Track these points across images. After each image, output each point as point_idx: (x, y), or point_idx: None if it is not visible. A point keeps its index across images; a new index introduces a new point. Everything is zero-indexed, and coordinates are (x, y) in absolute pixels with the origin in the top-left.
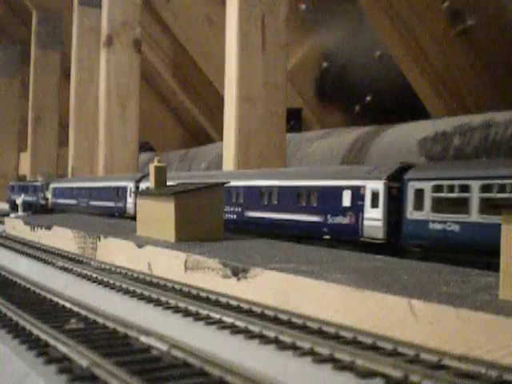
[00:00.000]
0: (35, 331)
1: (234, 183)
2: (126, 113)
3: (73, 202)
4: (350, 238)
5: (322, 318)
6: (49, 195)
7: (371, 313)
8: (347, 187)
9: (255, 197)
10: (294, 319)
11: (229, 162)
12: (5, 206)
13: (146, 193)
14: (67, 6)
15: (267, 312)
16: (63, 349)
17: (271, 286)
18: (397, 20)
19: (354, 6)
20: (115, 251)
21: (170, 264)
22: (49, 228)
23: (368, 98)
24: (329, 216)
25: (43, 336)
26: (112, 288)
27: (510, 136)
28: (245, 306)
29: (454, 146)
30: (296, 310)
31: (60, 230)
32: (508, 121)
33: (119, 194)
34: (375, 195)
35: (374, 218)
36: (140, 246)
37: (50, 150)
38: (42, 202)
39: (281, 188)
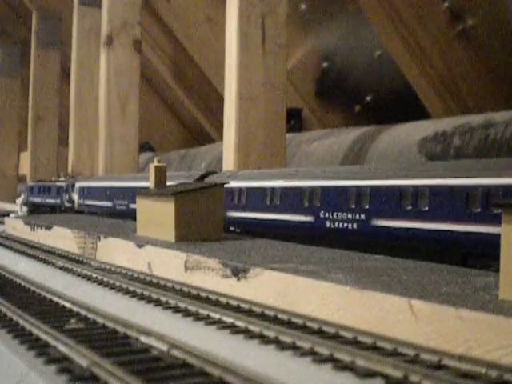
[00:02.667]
0: (35, 331)
1: (350, 182)
2: (126, 113)
3: (107, 204)
4: None
5: (322, 318)
6: (75, 196)
7: (371, 313)
8: None
9: (395, 200)
10: (293, 319)
11: (229, 162)
12: (8, 207)
13: (146, 193)
14: (67, 6)
15: (267, 312)
16: (63, 349)
17: (271, 286)
18: (397, 20)
19: (354, 6)
20: (115, 251)
21: (169, 264)
22: (49, 228)
23: (368, 98)
24: None
25: (43, 336)
26: (112, 288)
27: (510, 136)
28: (245, 306)
29: (454, 146)
30: (296, 310)
31: (60, 229)
32: (508, 121)
33: None
34: None
35: None
36: (140, 246)
37: (50, 149)
38: (67, 204)
39: (441, 188)
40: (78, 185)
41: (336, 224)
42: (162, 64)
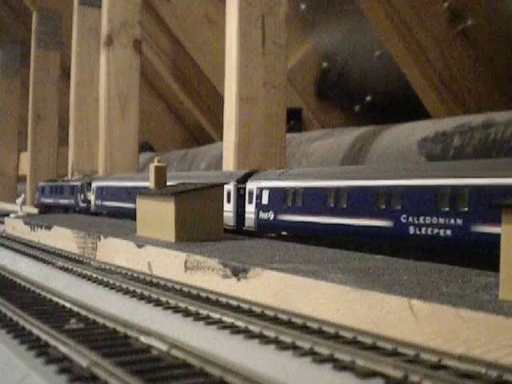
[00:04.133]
0: (35, 331)
1: (442, 181)
2: (126, 113)
3: (128, 205)
4: None
5: (321, 318)
6: (91, 196)
7: (371, 313)
8: None
9: None
10: (294, 319)
11: (229, 162)
12: (8, 207)
13: (146, 193)
14: (67, 6)
15: (267, 312)
16: (63, 349)
17: (271, 286)
18: (397, 20)
19: (354, 6)
20: (115, 251)
21: (169, 264)
22: (49, 228)
23: (368, 98)
24: None
25: (43, 336)
26: (112, 288)
27: (510, 136)
28: (245, 306)
29: (454, 146)
30: (296, 310)
31: (60, 229)
32: (508, 121)
33: None
34: None
35: None
36: (140, 246)
37: (50, 150)
38: (82, 204)
39: None
40: (95, 184)
41: (423, 230)
42: (162, 64)
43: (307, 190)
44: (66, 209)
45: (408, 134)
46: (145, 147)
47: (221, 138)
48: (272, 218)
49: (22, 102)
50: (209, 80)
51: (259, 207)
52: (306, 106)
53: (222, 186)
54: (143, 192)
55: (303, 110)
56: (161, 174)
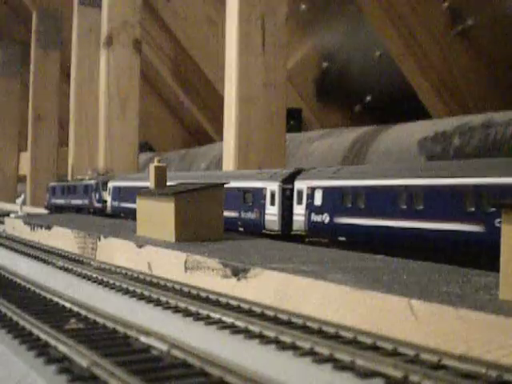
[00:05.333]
0: (35, 331)
1: None
2: (126, 113)
3: None
4: None
5: (321, 318)
6: (107, 197)
7: (371, 313)
8: None
9: None
10: (293, 319)
11: (228, 162)
12: (8, 207)
13: (146, 193)
14: (67, 6)
15: (267, 312)
16: (63, 349)
17: (271, 286)
18: (397, 20)
19: (354, 5)
20: (115, 251)
21: (170, 264)
22: (49, 228)
23: (368, 98)
24: None
25: (43, 336)
26: (112, 288)
27: (510, 136)
28: (245, 305)
29: (454, 146)
30: (296, 310)
31: (60, 229)
32: (508, 121)
33: (250, 199)
34: None
35: None
36: (140, 246)
37: (50, 150)
38: (97, 204)
39: None
40: (111, 184)
41: None
42: (162, 64)
43: (373, 190)
44: (79, 210)
45: (408, 133)
46: (145, 147)
47: (221, 138)
48: (327, 220)
49: (21, 102)
50: (209, 80)
51: (311, 209)
52: (306, 106)
53: (222, 185)
54: (143, 192)
55: (303, 110)
56: (161, 174)
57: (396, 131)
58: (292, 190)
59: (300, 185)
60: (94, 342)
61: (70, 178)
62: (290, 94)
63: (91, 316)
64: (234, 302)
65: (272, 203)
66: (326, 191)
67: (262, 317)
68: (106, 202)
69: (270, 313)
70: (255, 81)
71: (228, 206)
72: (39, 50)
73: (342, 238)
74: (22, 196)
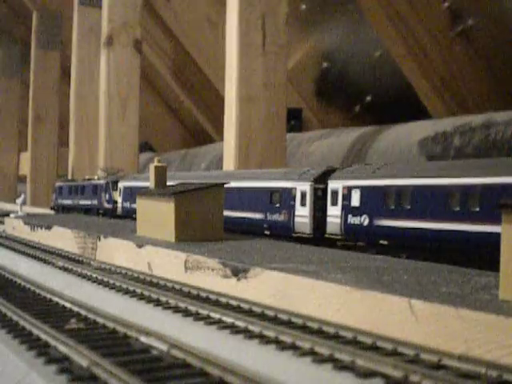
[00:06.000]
0: (35, 331)
1: None
2: (126, 113)
3: None
4: None
5: (321, 318)
6: (118, 197)
7: (371, 313)
8: None
9: None
10: (293, 319)
11: (229, 162)
12: (8, 207)
13: (146, 193)
14: (67, 6)
15: (267, 312)
16: (63, 349)
17: (271, 286)
18: (397, 20)
19: (354, 6)
20: (115, 251)
21: (170, 264)
22: (49, 228)
23: (368, 98)
24: None
25: (43, 336)
26: (112, 288)
27: (510, 136)
28: (245, 305)
29: (454, 146)
30: (296, 309)
31: (60, 229)
32: (508, 121)
33: (278, 200)
34: None
35: None
36: (140, 246)
37: (50, 150)
38: (107, 205)
39: None
40: (122, 184)
41: None
42: (162, 64)
43: (421, 189)
44: (87, 210)
45: (408, 134)
46: (145, 147)
47: (221, 138)
48: (366, 222)
49: (21, 102)
50: (209, 80)
51: (347, 210)
52: (306, 105)
53: (222, 185)
54: (143, 192)
55: (303, 109)
56: (161, 174)
57: (396, 131)
58: (324, 189)
59: (335, 184)
60: (94, 342)
61: (70, 177)
62: (290, 94)
63: (91, 316)
64: (233, 302)
65: (303, 204)
66: (365, 191)
67: (262, 317)
68: (116, 202)
69: (270, 313)
70: (255, 81)
71: (252, 207)
72: (39, 50)
73: (383, 242)
74: (22, 196)
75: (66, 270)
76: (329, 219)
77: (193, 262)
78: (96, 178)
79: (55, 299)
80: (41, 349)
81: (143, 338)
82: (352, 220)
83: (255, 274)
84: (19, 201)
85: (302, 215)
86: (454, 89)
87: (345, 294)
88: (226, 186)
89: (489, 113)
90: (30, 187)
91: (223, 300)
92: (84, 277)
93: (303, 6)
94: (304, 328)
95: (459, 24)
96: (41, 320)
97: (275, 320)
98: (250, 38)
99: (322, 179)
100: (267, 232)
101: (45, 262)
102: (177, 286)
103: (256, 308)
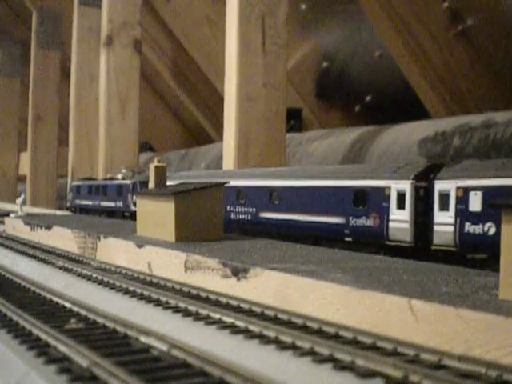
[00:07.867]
0: (35, 331)
1: None
2: (126, 113)
3: None
4: None
5: (322, 318)
6: None
7: (371, 313)
8: None
9: None
10: (293, 319)
11: (229, 162)
12: (8, 207)
13: (146, 193)
14: (67, 6)
15: (267, 312)
16: (63, 349)
17: (271, 286)
18: (397, 20)
19: (354, 5)
20: (115, 251)
21: (170, 264)
22: (49, 228)
23: (368, 98)
24: None
25: (43, 336)
26: (112, 288)
27: (510, 136)
28: (245, 305)
29: (454, 146)
30: (296, 310)
31: (60, 229)
32: (508, 121)
33: (365, 202)
34: None
35: None
36: (140, 246)
37: (49, 149)
38: (134, 208)
39: None
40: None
41: None
42: (162, 64)
43: None
44: (110, 213)
45: (408, 133)
46: (145, 147)
47: (221, 138)
48: (492, 232)
49: (22, 102)
50: (209, 80)
51: (463, 216)
52: (306, 106)
53: (222, 185)
54: (143, 192)
55: (303, 109)
56: (161, 174)
57: (396, 131)
58: (428, 189)
59: (444, 184)
60: (94, 342)
61: (70, 177)
62: (289, 94)
63: (91, 316)
64: (233, 302)
65: (400, 206)
66: (490, 193)
67: (262, 317)
68: None
69: (270, 313)
70: (255, 81)
71: (328, 209)
72: (39, 50)
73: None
74: (22, 196)
75: (65, 269)
76: (436, 227)
77: (193, 261)
78: (120, 177)
79: (55, 299)
80: (41, 349)
81: (143, 338)
82: (471, 229)
83: (255, 274)
84: (19, 201)
85: (400, 220)
86: (454, 89)
87: (345, 293)
88: (284, 185)
89: (488, 113)
90: (29, 187)
91: (223, 300)
92: (84, 277)
93: (303, 6)
94: (304, 328)
95: (459, 24)
96: (41, 320)
97: (275, 320)
98: (250, 37)
99: (423, 177)
100: (348, 239)
101: (45, 261)
102: (177, 286)
103: (256, 308)
